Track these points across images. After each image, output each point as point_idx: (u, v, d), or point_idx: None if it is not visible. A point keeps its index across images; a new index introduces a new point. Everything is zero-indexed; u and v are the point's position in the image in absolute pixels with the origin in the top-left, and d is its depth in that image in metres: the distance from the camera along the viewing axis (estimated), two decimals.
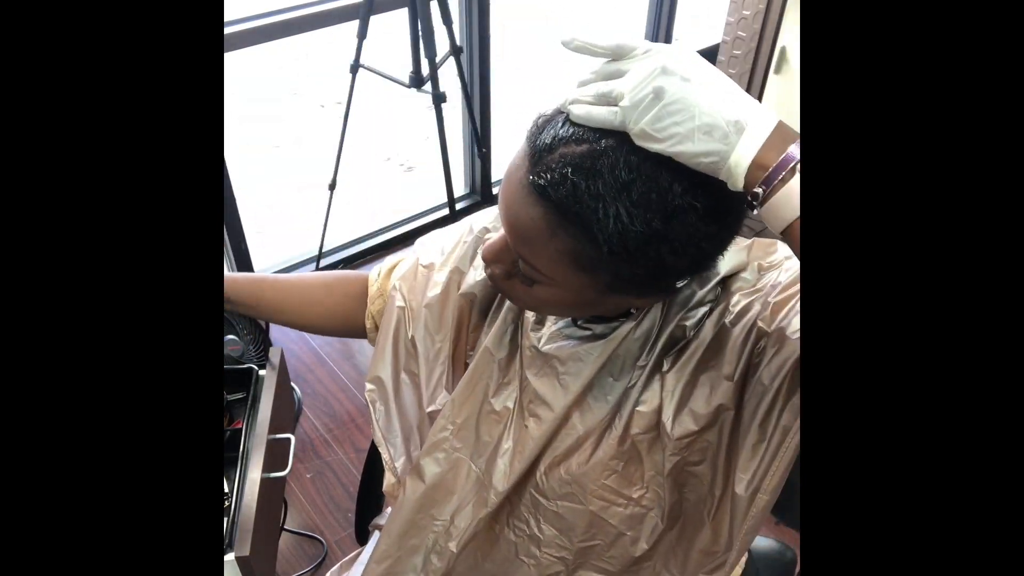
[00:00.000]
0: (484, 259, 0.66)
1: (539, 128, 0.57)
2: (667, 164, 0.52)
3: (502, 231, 0.63)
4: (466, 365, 0.82)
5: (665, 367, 0.70)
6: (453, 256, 0.83)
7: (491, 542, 0.81)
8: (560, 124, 0.56)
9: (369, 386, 0.88)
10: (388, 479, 0.89)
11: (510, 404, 0.77)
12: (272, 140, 3.36)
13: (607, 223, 0.54)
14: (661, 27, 2.86)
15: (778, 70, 2.61)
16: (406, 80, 1.98)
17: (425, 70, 1.90)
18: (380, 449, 0.89)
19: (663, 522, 0.72)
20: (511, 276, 0.65)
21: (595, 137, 0.54)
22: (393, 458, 0.88)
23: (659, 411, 0.69)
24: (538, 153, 0.56)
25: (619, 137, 0.53)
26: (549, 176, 0.54)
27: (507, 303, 0.78)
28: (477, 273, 0.81)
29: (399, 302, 0.85)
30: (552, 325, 0.74)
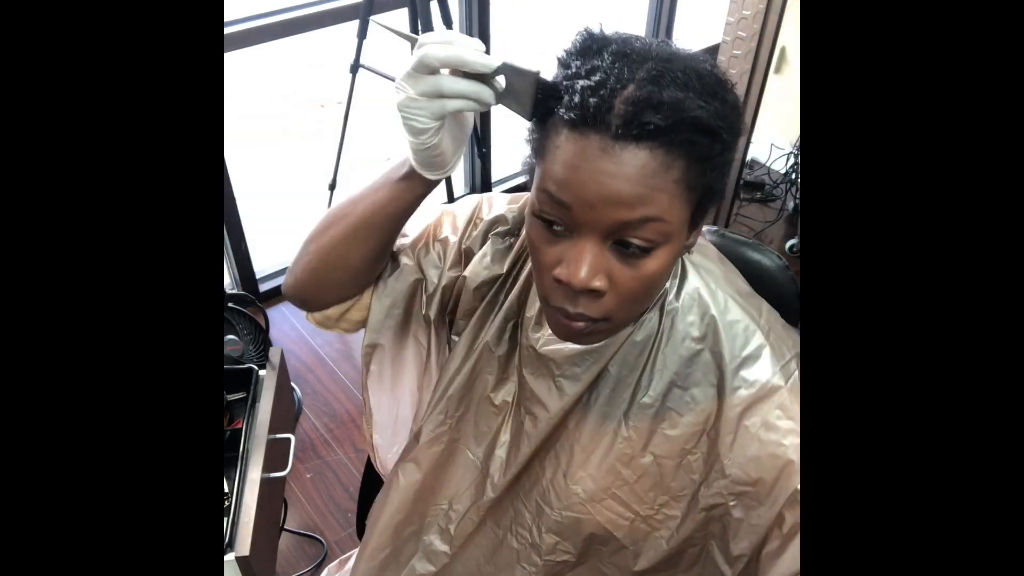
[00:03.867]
0: (583, 281, 0.58)
1: (584, 106, 0.54)
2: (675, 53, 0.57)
3: (574, 245, 0.58)
4: (448, 347, 0.82)
5: (732, 398, 0.66)
6: (466, 235, 0.79)
7: (495, 546, 0.82)
8: (595, 87, 0.54)
9: (366, 349, 0.84)
10: (374, 439, 0.91)
11: (509, 399, 0.78)
12: (272, 140, 3.36)
13: (710, 111, 0.54)
14: (661, 27, 2.86)
15: (778, 70, 2.61)
16: None
17: None
18: (365, 420, 0.90)
19: (668, 545, 0.71)
20: (612, 278, 0.60)
21: (629, 74, 0.54)
22: (374, 429, 0.90)
23: (703, 437, 0.68)
24: (602, 115, 0.53)
25: (640, 57, 0.55)
26: (633, 118, 0.53)
27: (506, 301, 0.77)
28: (482, 262, 0.78)
29: (415, 274, 0.80)
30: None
